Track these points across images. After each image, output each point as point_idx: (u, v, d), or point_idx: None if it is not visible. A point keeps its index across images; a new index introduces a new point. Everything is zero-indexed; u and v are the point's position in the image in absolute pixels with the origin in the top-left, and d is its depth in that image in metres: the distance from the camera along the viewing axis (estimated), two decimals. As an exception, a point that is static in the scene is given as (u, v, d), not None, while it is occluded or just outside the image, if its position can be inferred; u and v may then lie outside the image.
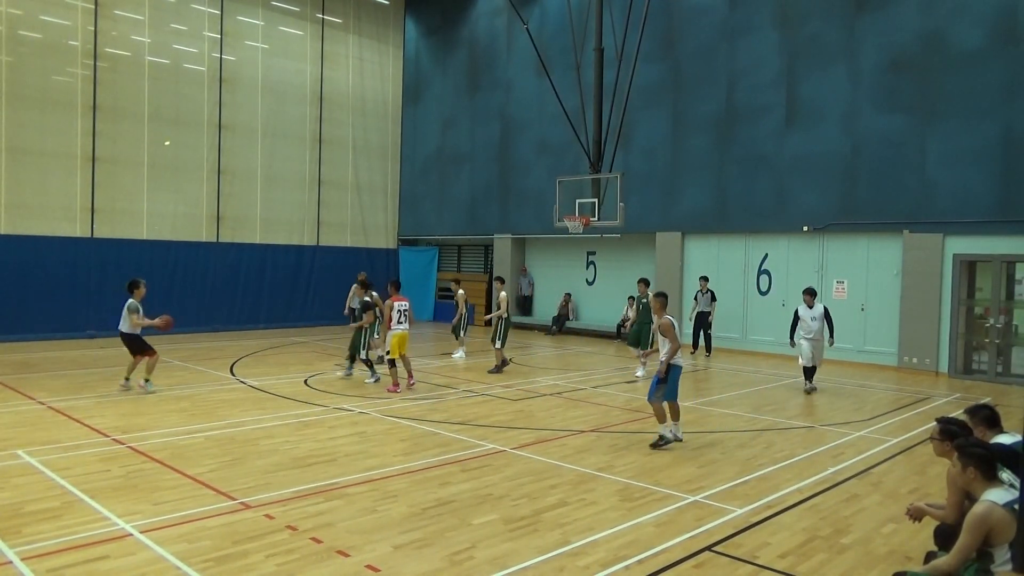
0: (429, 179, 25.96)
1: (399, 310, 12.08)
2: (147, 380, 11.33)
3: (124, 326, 11.15)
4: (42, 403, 10.46)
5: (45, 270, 17.77)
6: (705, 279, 17.75)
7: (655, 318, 9.22)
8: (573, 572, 5.12)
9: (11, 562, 5.03)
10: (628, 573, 5.13)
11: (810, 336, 12.76)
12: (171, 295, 19.74)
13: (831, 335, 12.90)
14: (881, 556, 5.56)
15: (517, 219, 23.27)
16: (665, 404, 8.65)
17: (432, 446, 8.51)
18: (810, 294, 13.02)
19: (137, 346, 11.28)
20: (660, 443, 8.59)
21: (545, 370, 15.07)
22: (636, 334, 14.57)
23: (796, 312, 13.13)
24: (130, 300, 11.16)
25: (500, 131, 23.72)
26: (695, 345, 17.75)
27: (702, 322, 17.60)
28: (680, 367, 8.79)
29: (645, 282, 14.76)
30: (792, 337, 13.08)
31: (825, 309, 12.91)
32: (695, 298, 17.81)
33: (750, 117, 17.92)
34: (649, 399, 8.78)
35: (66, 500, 6.32)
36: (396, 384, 11.95)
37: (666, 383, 8.63)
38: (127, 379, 11.37)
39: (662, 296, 9.22)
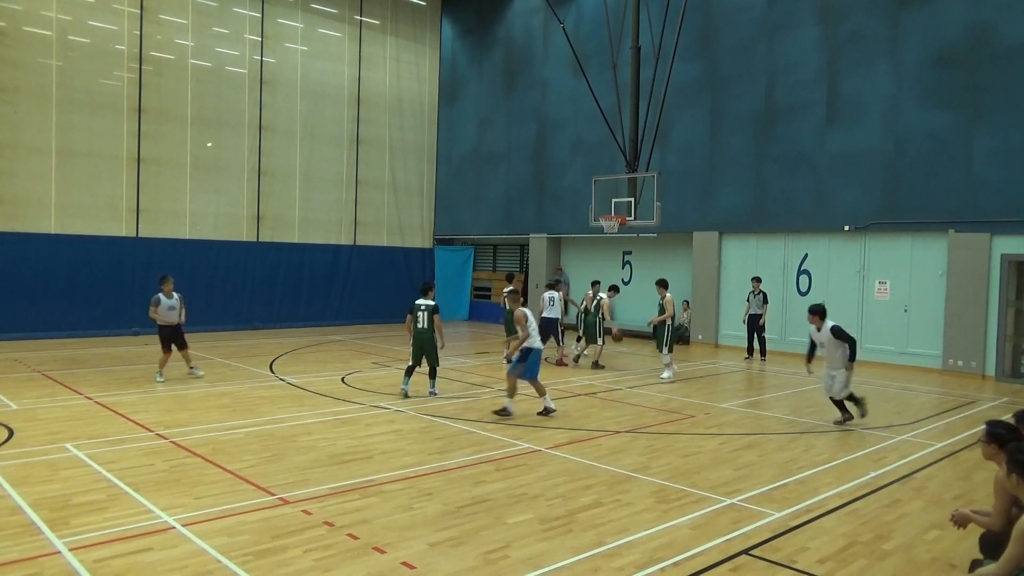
0: (465, 179, 26.07)
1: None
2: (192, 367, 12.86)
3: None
4: (89, 398, 10.75)
5: (92, 269, 18.24)
6: (758, 280, 17.16)
7: (514, 309, 10.64)
8: (608, 573, 5.10)
9: (59, 552, 5.17)
10: (663, 575, 5.10)
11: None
12: (212, 293, 20.14)
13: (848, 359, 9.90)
14: (924, 563, 5.44)
15: (553, 219, 23.25)
16: (529, 382, 10.22)
17: (467, 445, 8.55)
18: (812, 312, 10.18)
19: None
20: (503, 414, 10.01)
21: (580, 370, 15.03)
22: (661, 338, 13.95)
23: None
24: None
25: (536, 131, 23.71)
26: (749, 350, 17.14)
27: (754, 325, 16.94)
28: (539, 349, 10.29)
29: (663, 283, 14.28)
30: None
31: (834, 329, 9.90)
32: (747, 299, 17.18)
33: (790, 115, 17.65)
34: (509, 373, 10.19)
35: (112, 493, 6.49)
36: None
37: (524, 363, 10.08)
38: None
39: (514, 292, 11.29)
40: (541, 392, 10.31)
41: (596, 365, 15.19)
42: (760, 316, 16.89)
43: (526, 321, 10.13)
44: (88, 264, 18.17)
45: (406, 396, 11.18)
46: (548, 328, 15.29)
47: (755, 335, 17.03)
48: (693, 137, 19.58)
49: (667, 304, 13.84)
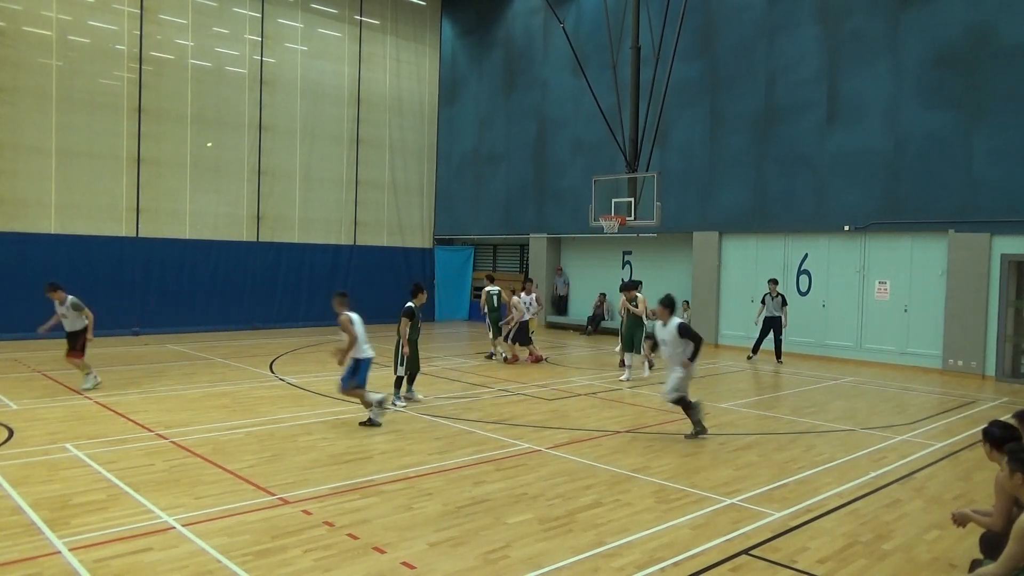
0: (465, 179, 26.07)
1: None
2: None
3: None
4: (89, 398, 10.75)
5: (92, 269, 18.22)
6: (775, 282, 16.69)
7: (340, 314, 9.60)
8: (608, 573, 5.10)
9: (59, 552, 5.17)
10: (663, 575, 5.10)
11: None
12: (212, 293, 20.17)
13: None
14: (924, 563, 5.44)
15: (553, 219, 23.24)
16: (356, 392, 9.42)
17: (467, 445, 8.55)
18: (662, 305, 9.27)
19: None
20: (371, 424, 9.23)
21: (580, 370, 15.03)
22: (629, 339, 13.83)
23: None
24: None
25: (536, 130, 23.72)
26: (755, 350, 16.74)
27: (772, 326, 16.46)
28: (370, 359, 9.48)
29: (632, 285, 14.30)
30: None
31: (682, 326, 9.08)
32: (762, 301, 16.72)
33: (790, 115, 17.64)
34: (343, 388, 9.37)
35: (112, 493, 6.49)
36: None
37: (356, 375, 9.35)
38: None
39: (341, 294, 9.90)
40: (368, 403, 9.38)
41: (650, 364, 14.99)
42: (779, 318, 16.49)
43: (352, 327, 9.37)
44: (88, 264, 18.16)
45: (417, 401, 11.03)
46: (522, 329, 15.67)
47: (765, 336, 16.66)
48: (693, 137, 19.58)
49: (640, 303, 13.84)
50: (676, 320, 9.11)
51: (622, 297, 14.35)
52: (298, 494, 6.58)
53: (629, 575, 5.07)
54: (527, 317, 15.75)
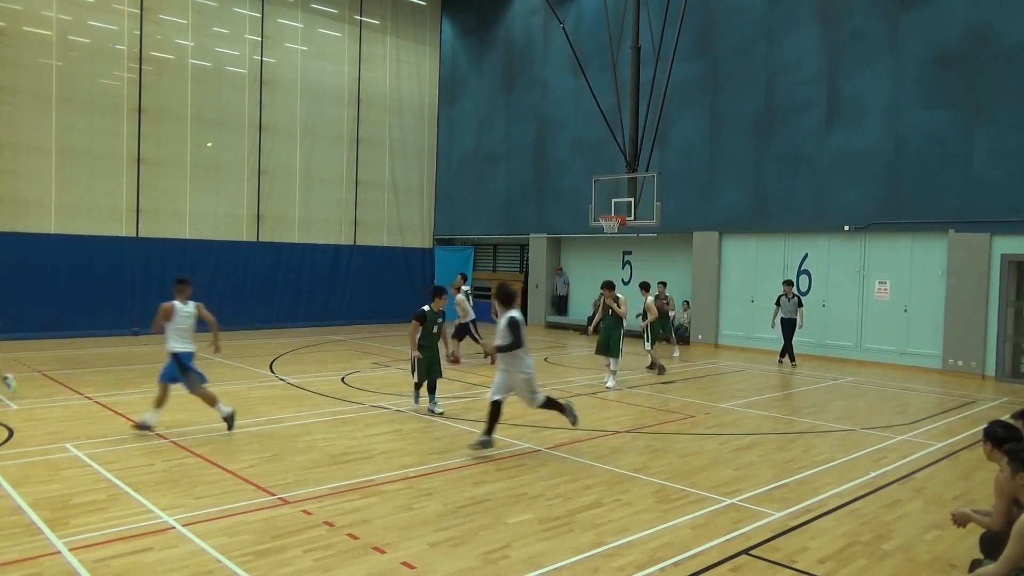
0: (465, 179, 26.07)
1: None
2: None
3: None
4: (89, 398, 10.75)
5: (92, 269, 18.24)
6: (790, 283, 16.40)
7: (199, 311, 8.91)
8: (608, 573, 5.09)
9: (59, 552, 5.17)
10: (663, 575, 5.10)
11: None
12: (212, 293, 20.07)
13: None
14: (924, 563, 5.44)
15: (553, 218, 23.25)
16: (163, 384, 8.69)
17: (467, 445, 8.54)
18: (495, 296, 8.74)
19: None
20: (229, 420, 8.69)
21: (580, 369, 15.03)
22: (605, 341, 12.77)
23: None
24: None
25: (536, 130, 23.72)
26: (783, 353, 16.39)
27: (789, 328, 16.19)
28: (189, 353, 8.70)
29: (610, 285, 12.88)
30: None
31: (511, 320, 8.28)
32: (777, 303, 16.42)
33: (790, 115, 17.65)
34: (192, 391, 8.73)
35: (111, 493, 6.49)
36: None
37: (190, 371, 8.72)
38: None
39: (181, 281, 8.95)
40: (160, 402, 8.63)
41: (661, 369, 14.74)
42: (794, 320, 16.13)
43: (170, 317, 8.61)
44: (88, 264, 18.16)
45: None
46: (463, 328, 15.69)
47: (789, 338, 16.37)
48: (693, 137, 19.59)
49: (623, 303, 13.22)
50: (509, 314, 8.32)
51: (602, 295, 13.02)
52: (298, 494, 6.57)
53: (629, 575, 5.06)
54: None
